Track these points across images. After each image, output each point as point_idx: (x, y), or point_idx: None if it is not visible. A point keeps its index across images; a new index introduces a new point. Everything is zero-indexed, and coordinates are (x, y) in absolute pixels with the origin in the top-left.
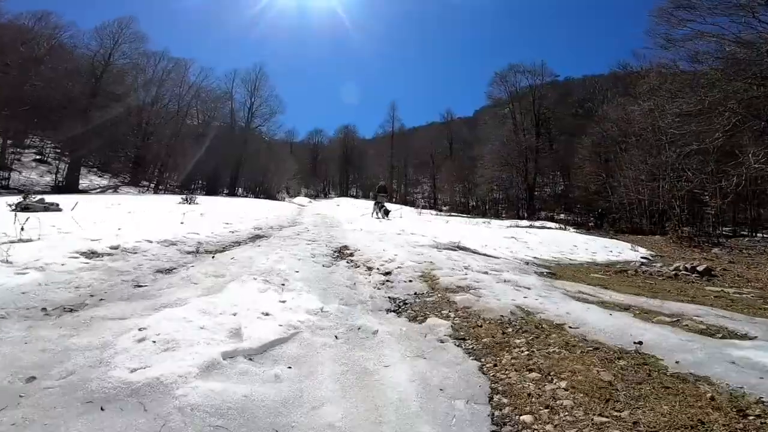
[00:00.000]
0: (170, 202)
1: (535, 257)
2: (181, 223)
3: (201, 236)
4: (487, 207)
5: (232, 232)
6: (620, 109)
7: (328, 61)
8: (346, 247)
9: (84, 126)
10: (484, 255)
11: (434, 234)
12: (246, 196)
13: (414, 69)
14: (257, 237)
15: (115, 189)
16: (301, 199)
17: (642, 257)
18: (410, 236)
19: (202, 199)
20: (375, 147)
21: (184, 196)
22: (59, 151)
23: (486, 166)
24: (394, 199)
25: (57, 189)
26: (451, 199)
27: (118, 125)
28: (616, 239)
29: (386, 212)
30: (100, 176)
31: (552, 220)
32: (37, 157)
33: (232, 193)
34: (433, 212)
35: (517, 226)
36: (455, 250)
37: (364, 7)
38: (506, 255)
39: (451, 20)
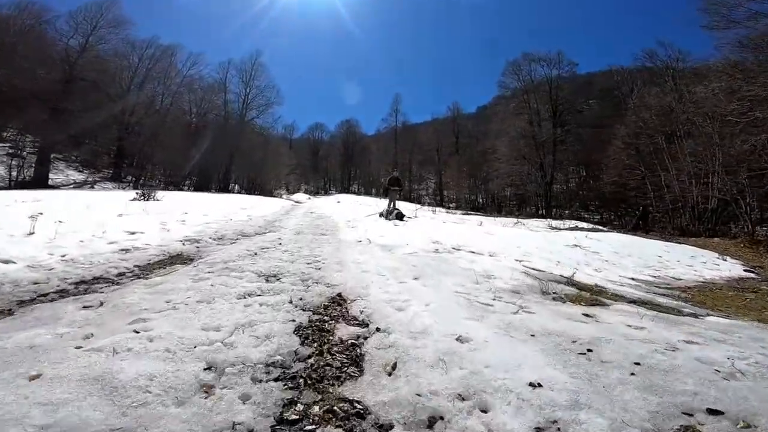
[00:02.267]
0: (121, 198)
1: (632, 278)
2: (30, 233)
3: (17, 266)
4: (500, 204)
5: (124, 251)
6: (661, 97)
7: (328, 58)
8: (340, 304)
9: (55, 115)
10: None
11: (489, 248)
12: (239, 193)
13: (417, 65)
14: (168, 263)
15: (92, 185)
16: (300, 196)
17: (746, 269)
18: (462, 257)
19: (170, 195)
20: (378, 143)
21: (140, 192)
22: (38, 144)
23: (501, 160)
24: (398, 196)
25: (20, 184)
26: (458, 195)
27: (96, 115)
28: (681, 244)
29: (399, 215)
30: (80, 171)
31: (576, 218)
32: (11, 150)
33: (225, 189)
34: (443, 210)
35: (559, 228)
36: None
37: (364, 2)
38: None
39: (454, 15)
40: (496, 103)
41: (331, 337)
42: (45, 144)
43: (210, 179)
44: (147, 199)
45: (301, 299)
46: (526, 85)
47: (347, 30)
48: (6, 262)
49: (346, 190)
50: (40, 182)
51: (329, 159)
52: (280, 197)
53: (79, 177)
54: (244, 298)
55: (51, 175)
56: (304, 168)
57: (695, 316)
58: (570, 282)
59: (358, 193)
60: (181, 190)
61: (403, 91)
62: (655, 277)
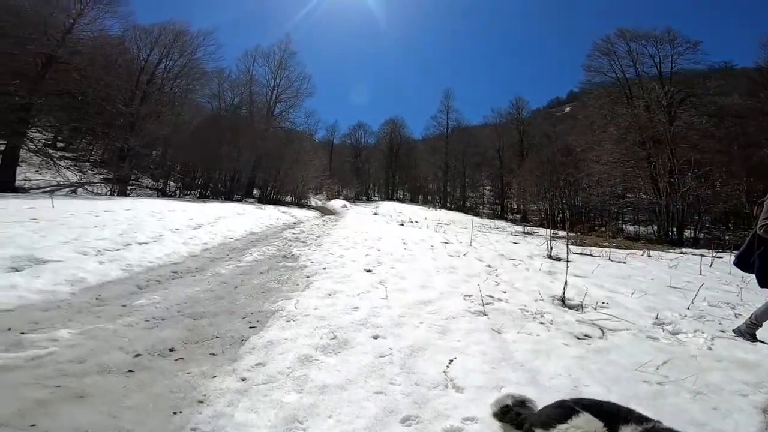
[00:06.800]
0: None
1: None
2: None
3: None
4: (592, 220)
5: None
6: None
7: (375, 57)
8: None
9: (28, 100)
10: None
11: None
12: (264, 200)
13: (474, 63)
14: None
15: (74, 189)
16: (336, 203)
17: None
18: None
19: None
20: (426, 144)
21: None
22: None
23: (601, 160)
24: (448, 204)
25: None
26: (524, 206)
27: (88, 106)
28: None
29: None
30: (81, 171)
31: None
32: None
33: (249, 195)
34: (525, 228)
35: None
36: None
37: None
38: None
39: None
40: (583, 90)
41: None
42: (14, 139)
43: (234, 185)
44: None
45: None
46: (624, 67)
47: (397, 29)
48: None
49: (390, 196)
50: (5, 185)
51: (372, 162)
52: (308, 204)
53: (70, 178)
54: None
55: (30, 176)
56: (344, 172)
57: None
58: None
59: (403, 200)
60: (207, 198)
61: (456, 92)
62: None
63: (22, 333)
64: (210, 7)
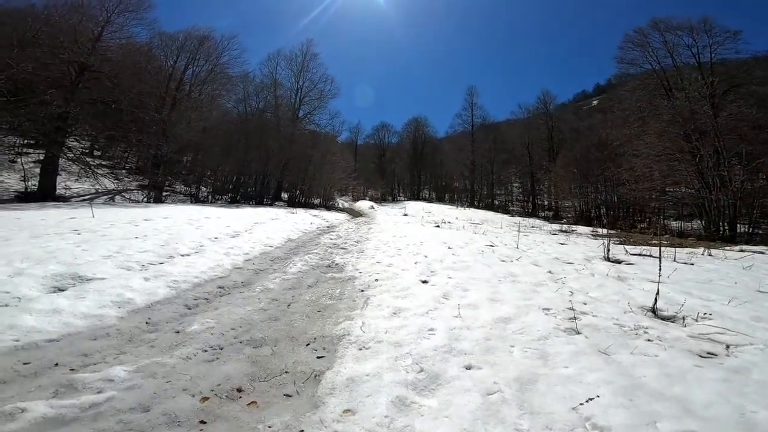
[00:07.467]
0: None
1: None
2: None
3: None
4: (641, 216)
5: None
6: None
7: (396, 54)
8: None
9: (64, 109)
10: None
11: None
12: (293, 204)
13: (497, 58)
14: None
15: (112, 196)
16: (363, 204)
17: None
18: None
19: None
20: (450, 143)
21: None
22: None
23: (642, 154)
24: (476, 203)
25: (25, 197)
26: (555, 203)
27: (122, 113)
28: None
29: None
30: (117, 179)
31: None
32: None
33: (277, 198)
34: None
35: None
36: None
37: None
38: None
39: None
40: (612, 84)
41: None
42: (50, 145)
43: (262, 190)
44: None
45: None
46: (660, 59)
47: (416, 28)
48: None
49: (415, 196)
50: (45, 193)
51: (396, 161)
52: (337, 206)
53: (107, 185)
54: None
55: (70, 184)
56: (369, 172)
57: None
58: None
59: (429, 200)
60: (238, 203)
61: (480, 89)
62: None
63: (72, 370)
64: (220, 10)
